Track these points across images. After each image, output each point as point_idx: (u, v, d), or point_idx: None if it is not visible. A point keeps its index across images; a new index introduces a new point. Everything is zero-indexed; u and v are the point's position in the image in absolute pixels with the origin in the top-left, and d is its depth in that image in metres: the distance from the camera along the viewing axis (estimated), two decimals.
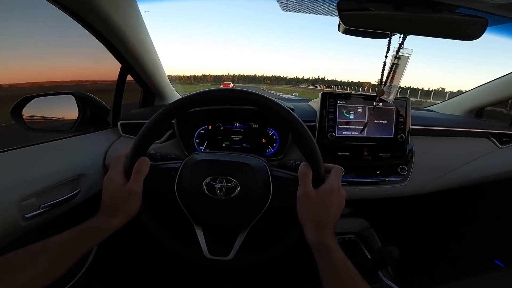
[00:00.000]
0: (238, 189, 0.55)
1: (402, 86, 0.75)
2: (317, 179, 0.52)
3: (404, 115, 0.94)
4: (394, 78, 0.72)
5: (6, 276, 0.40)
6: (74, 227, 0.48)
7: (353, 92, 0.97)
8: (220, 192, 0.55)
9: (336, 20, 0.65)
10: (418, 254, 1.29)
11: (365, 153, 0.95)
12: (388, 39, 0.68)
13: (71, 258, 0.47)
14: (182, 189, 0.56)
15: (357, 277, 0.45)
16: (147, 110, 1.07)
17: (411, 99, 0.99)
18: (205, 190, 0.55)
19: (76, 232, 0.48)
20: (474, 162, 1.07)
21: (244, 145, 1.00)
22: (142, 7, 0.81)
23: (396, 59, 0.70)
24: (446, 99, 1.48)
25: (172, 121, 0.90)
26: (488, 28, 0.61)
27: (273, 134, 1.00)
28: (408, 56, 0.69)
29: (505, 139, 1.17)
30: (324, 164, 0.54)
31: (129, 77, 1.00)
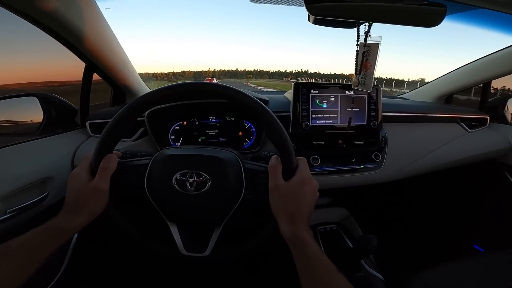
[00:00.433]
0: (209, 183, 0.54)
1: (377, 77, 0.76)
2: (288, 171, 0.52)
3: (375, 102, 0.96)
4: (368, 66, 0.74)
5: None
6: (36, 228, 0.47)
7: (327, 82, 0.99)
8: (191, 187, 0.54)
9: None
10: (399, 241, 1.33)
11: (340, 141, 0.96)
12: (356, 28, 0.69)
13: (36, 259, 0.45)
14: (152, 186, 0.55)
15: (333, 270, 0.45)
16: (117, 109, 1.03)
17: (385, 89, 1.00)
18: (176, 186, 0.54)
19: (38, 232, 0.46)
20: (445, 146, 1.10)
21: (221, 139, 0.99)
22: (102, 5, 0.79)
23: (366, 47, 0.71)
24: (418, 87, 1.52)
25: (143, 118, 0.88)
26: (451, 16, 0.63)
27: (249, 127, 0.99)
28: (378, 43, 0.71)
29: (474, 123, 1.21)
30: None
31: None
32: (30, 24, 0.71)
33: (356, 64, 0.74)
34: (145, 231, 0.58)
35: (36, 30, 0.73)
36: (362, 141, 0.97)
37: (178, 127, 0.97)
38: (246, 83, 44.13)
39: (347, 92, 0.94)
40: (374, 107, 0.96)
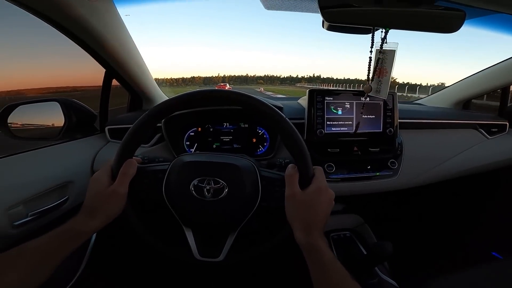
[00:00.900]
0: (226, 190, 0.55)
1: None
2: (305, 179, 0.52)
3: (391, 109, 0.95)
4: (384, 73, 0.73)
5: None
6: (52, 230, 0.48)
7: (342, 89, 0.98)
8: (208, 194, 0.55)
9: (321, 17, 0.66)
10: (414, 248, 1.29)
11: (355, 148, 0.95)
12: (371, 34, 0.69)
13: (51, 261, 0.46)
14: (170, 191, 0.56)
15: (347, 277, 0.45)
16: (135, 114, 1.06)
17: (398, 93, 0.99)
18: (193, 192, 0.55)
19: (54, 235, 0.47)
20: (463, 153, 1.08)
21: (235, 145, 1.00)
22: (122, 11, 0.80)
23: (381, 54, 0.71)
24: (430, 93, 1.49)
25: (160, 125, 0.89)
26: (469, 21, 0.62)
27: (263, 133, 1.00)
28: (394, 50, 0.70)
29: (493, 129, 1.18)
30: None
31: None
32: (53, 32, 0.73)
33: (369, 70, 0.73)
34: (160, 236, 0.59)
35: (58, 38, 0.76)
36: (377, 148, 0.96)
37: (193, 133, 0.98)
38: (259, 90, 43.29)
39: (363, 99, 0.93)
40: (390, 113, 0.95)
